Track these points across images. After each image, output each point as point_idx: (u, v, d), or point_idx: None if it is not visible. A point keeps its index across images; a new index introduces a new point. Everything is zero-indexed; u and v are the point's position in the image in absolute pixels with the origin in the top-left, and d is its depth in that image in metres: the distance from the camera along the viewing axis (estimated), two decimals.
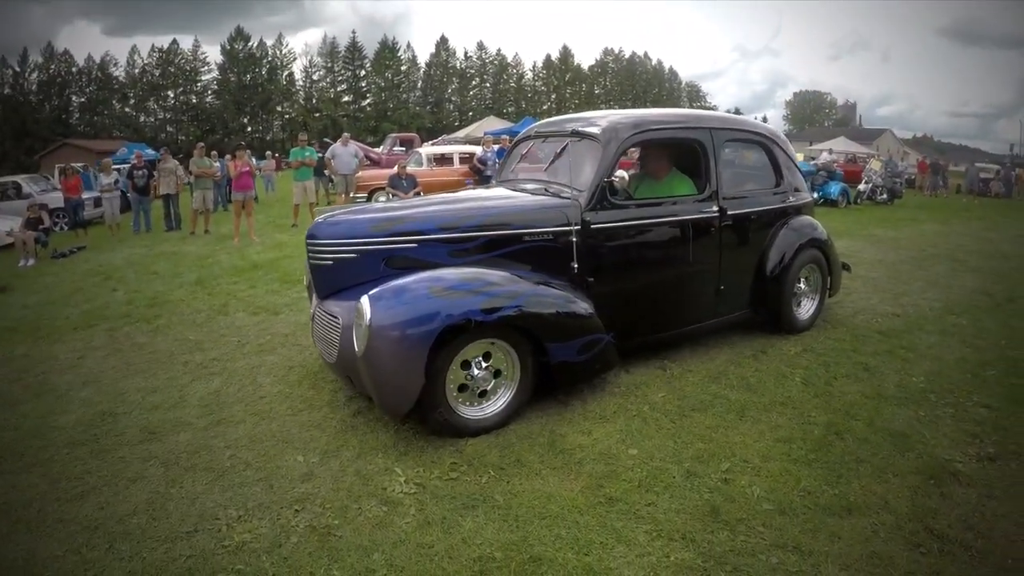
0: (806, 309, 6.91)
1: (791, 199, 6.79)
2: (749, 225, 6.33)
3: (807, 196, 7.22)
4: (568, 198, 5.30)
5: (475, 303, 4.41)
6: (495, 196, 5.79)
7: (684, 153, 6.11)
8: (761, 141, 6.74)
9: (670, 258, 5.83)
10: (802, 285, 6.82)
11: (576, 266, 5.14)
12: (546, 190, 5.60)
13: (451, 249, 4.95)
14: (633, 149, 6.38)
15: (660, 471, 4.13)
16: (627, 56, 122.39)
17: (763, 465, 4.19)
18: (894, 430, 4.66)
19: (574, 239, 5.12)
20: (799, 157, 36.85)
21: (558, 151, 5.88)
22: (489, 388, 4.70)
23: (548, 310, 4.79)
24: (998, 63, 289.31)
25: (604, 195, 5.31)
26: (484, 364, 4.66)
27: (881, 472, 4.12)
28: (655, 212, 5.71)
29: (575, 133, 5.82)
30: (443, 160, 21.26)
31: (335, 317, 4.75)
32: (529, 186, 5.91)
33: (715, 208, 5.93)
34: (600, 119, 5.80)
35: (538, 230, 5.13)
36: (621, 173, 5.28)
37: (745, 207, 6.26)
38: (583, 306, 5.03)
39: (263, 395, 5.45)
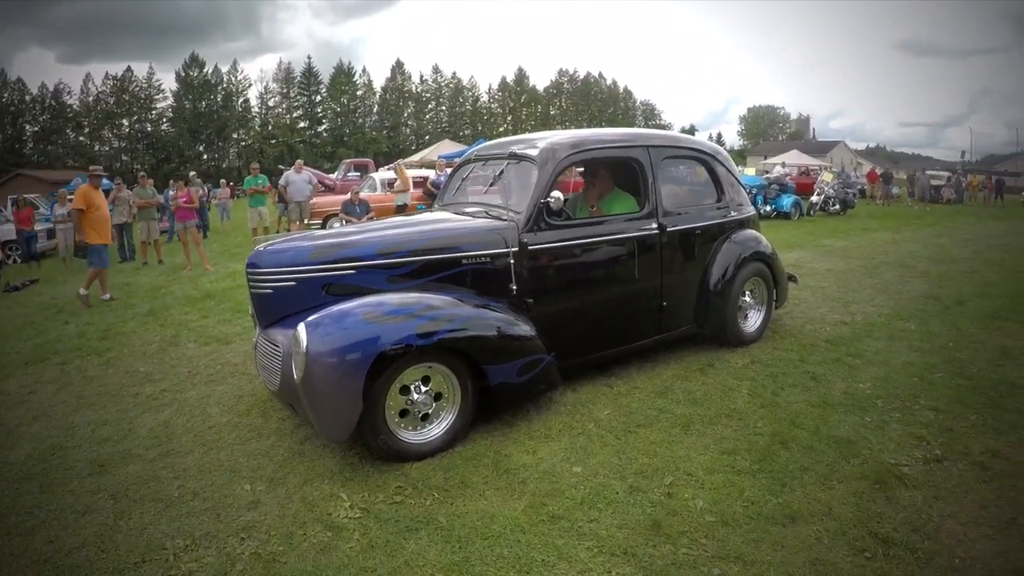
0: (752, 321, 7.08)
1: (733, 214, 6.97)
2: (690, 241, 6.49)
3: (750, 210, 7.40)
4: (506, 220, 5.41)
5: (410, 328, 4.48)
6: (434, 220, 5.86)
7: (624, 172, 6.26)
8: (700, 157, 6.94)
9: (610, 277, 5.94)
10: (747, 298, 7.00)
11: (515, 288, 5.25)
12: (487, 213, 5.69)
13: (389, 275, 5.02)
14: (579, 169, 6.50)
15: (604, 487, 4.20)
16: (582, 77, 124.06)
17: (707, 477, 4.27)
18: (840, 437, 4.78)
19: (512, 261, 5.24)
20: (751, 171, 37.80)
21: (497, 174, 5.99)
22: (431, 412, 4.76)
23: (485, 333, 4.88)
24: (946, 74, 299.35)
25: (542, 216, 5.41)
26: (424, 388, 4.72)
27: (826, 479, 4.22)
28: (593, 231, 5.81)
29: (513, 156, 5.95)
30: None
31: (276, 345, 4.79)
32: (470, 209, 5.99)
33: (654, 225, 6.06)
34: (539, 141, 5.91)
35: (476, 253, 5.21)
36: (557, 194, 5.36)
37: (685, 223, 6.41)
38: (522, 328, 5.13)
39: (212, 425, 5.50)
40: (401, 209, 17.41)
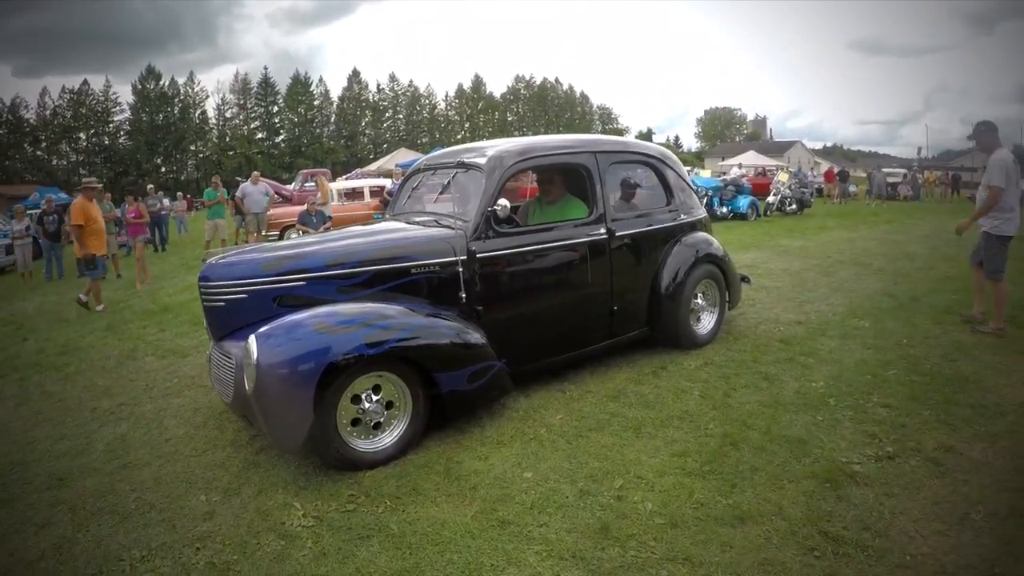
0: (705, 324, 7.12)
1: (683, 216, 7.03)
2: (640, 245, 6.53)
3: (700, 213, 7.46)
4: (454, 229, 5.45)
5: (360, 337, 4.50)
6: (383, 230, 5.87)
7: (572, 178, 6.31)
8: (648, 162, 7.00)
9: (559, 282, 5.96)
10: (699, 300, 7.04)
11: (464, 295, 5.29)
12: (436, 222, 5.72)
13: (339, 285, 5.06)
14: (530, 176, 6.52)
15: (554, 492, 4.21)
16: (538, 83, 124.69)
17: (657, 480, 4.28)
18: (791, 437, 4.81)
19: (460, 269, 5.27)
20: (707, 173, 38.09)
21: (446, 183, 6.01)
22: (383, 420, 4.77)
23: (435, 341, 4.90)
24: (901, 72, 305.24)
25: (489, 224, 5.44)
26: (375, 397, 4.73)
27: (776, 479, 4.24)
28: (542, 238, 5.83)
29: (461, 164, 5.98)
30: (353, 194, 21.74)
31: (229, 358, 4.83)
32: (420, 219, 6.02)
33: (603, 230, 6.10)
34: (487, 149, 5.95)
35: (424, 262, 5.25)
36: (503, 202, 5.40)
37: (634, 227, 6.46)
38: (472, 335, 5.16)
39: (169, 437, 5.53)
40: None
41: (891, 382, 5.80)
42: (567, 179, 6.41)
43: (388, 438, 4.77)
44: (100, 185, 13.99)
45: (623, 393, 5.77)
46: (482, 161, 5.71)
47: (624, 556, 3.52)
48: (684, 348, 6.78)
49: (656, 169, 6.98)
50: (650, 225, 6.63)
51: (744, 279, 7.88)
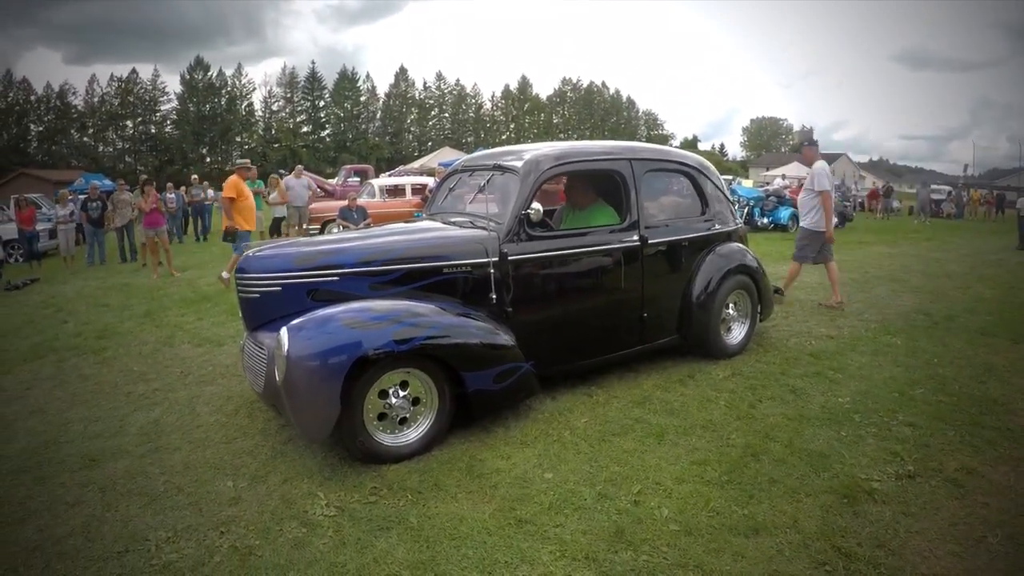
0: (736, 334, 7.13)
1: (718, 226, 7.04)
2: (673, 253, 6.56)
3: (735, 223, 7.46)
4: (488, 231, 5.51)
5: (389, 334, 4.59)
6: (418, 229, 5.98)
7: (607, 184, 6.35)
8: (685, 171, 7.00)
9: (590, 287, 6.02)
10: (731, 311, 7.05)
11: (494, 297, 5.34)
12: (472, 223, 5.80)
13: (371, 282, 5.15)
14: (559, 180, 6.59)
15: (572, 494, 4.26)
16: (585, 86, 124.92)
17: (675, 487, 4.31)
18: (812, 450, 4.81)
19: (492, 271, 5.33)
20: (749, 183, 37.95)
21: (482, 184, 6.07)
22: (409, 416, 4.86)
23: (463, 340, 4.97)
24: (946, 87, 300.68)
25: (523, 227, 5.52)
26: (402, 393, 4.81)
27: (794, 492, 4.24)
28: (574, 243, 5.89)
29: (497, 167, 6.05)
30: (395, 191, 21.80)
31: (262, 348, 4.96)
32: (456, 219, 6.11)
33: (635, 237, 6.14)
34: (525, 152, 6.01)
35: (456, 262, 5.33)
36: (536, 206, 5.49)
37: (668, 235, 6.49)
38: (501, 336, 5.23)
39: (200, 424, 5.67)
40: (277, 223, 18.01)
41: (918, 401, 5.76)
42: (602, 185, 6.45)
43: (413, 433, 4.86)
44: (253, 166, 14.70)
45: (649, 399, 5.80)
46: (518, 164, 5.78)
47: (636, 560, 3.56)
48: (713, 357, 6.80)
49: (692, 178, 6.99)
50: (684, 234, 6.65)
51: (777, 291, 7.87)
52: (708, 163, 7.44)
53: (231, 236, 11.65)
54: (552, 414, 5.55)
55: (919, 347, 7.40)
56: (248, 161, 13.49)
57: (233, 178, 11.97)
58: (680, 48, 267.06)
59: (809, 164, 9.55)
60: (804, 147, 10.12)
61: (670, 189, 7.12)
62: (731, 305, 7.02)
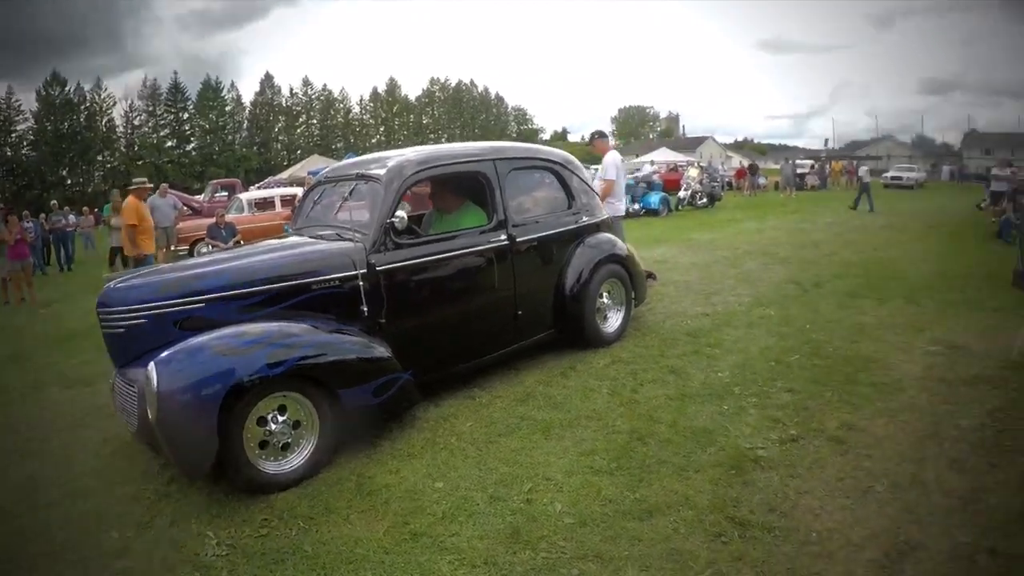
0: (612, 322, 7.29)
1: (585, 219, 7.19)
2: (542, 248, 6.67)
3: (603, 214, 7.63)
4: (354, 242, 5.48)
5: (260, 358, 4.50)
6: (283, 247, 5.85)
7: (472, 185, 6.41)
8: (549, 167, 7.14)
9: (462, 290, 6.07)
10: (605, 299, 7.21)
11: (366, 309, 5.31)
12: (339, 235, 5.74)
13: (240, 305, 5.01)
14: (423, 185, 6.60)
15: (465, 500, 4.27)
16: (454, 85, 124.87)
17: (566, 481, 4.38)
18: (697, 427, 4.98)
19: (361, 283, 5.29)
20: None
21: (347, 194, 6.06)
22: (291, 441, 4.75)
23: (337, 357, 4.93)
24: (809, 68, 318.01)
25: (389, 236, 5.50)
26: (281, 418, 4.71)
27: (682, 470, 4.39)
28: (442, 247, 5.91)
29: (361, 176, 6.03)
30: (265, 204, 21.24)
31: (132, 385, 4.76)
32: (322, 232, 6.01)
33: (503, 237, 6.22)
34: (388, 160, 6.02)
35: (324, 278, 5.26)
36: (401, 213, 5.48)
37: (536, 232, 6.59)
38: (376, 349, 5.20)
39: (78, 473, 5.34)
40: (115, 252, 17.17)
41: (794, 367, 6.05)
42: (468, 187, 6.50)
43: (297, 458, 4.76)
44: (151, 185, 14.00)
45: (532, 396, 5.87)
46: (381, 173, 5.76)
47: (535, 558, 3.60)
48: (592, 347, 6.93)
49: (557, 173, 7.12)
50: (552, 229, 6.77)
51: (650, 276, 8.08)
52: (572, 157, 7.61)
53: (141, 264, 11.13)
54: (437, 421, 5.55)
55: (792, 315, 7.76)
56: (145, 180, 12.83)
57: (131, 200, 11.48)
58: (548, 43, 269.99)
59: (601, 155, 9.99)
60: (596, 140, 10.81)
61: (536, 186, 7.20)
62: (605, 294, 7.18)
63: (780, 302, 8.46)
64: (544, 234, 6.66)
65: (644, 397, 5.65)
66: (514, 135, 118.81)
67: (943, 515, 3.82)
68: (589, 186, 7.53)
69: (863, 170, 23.27)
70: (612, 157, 9.70)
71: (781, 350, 6.53)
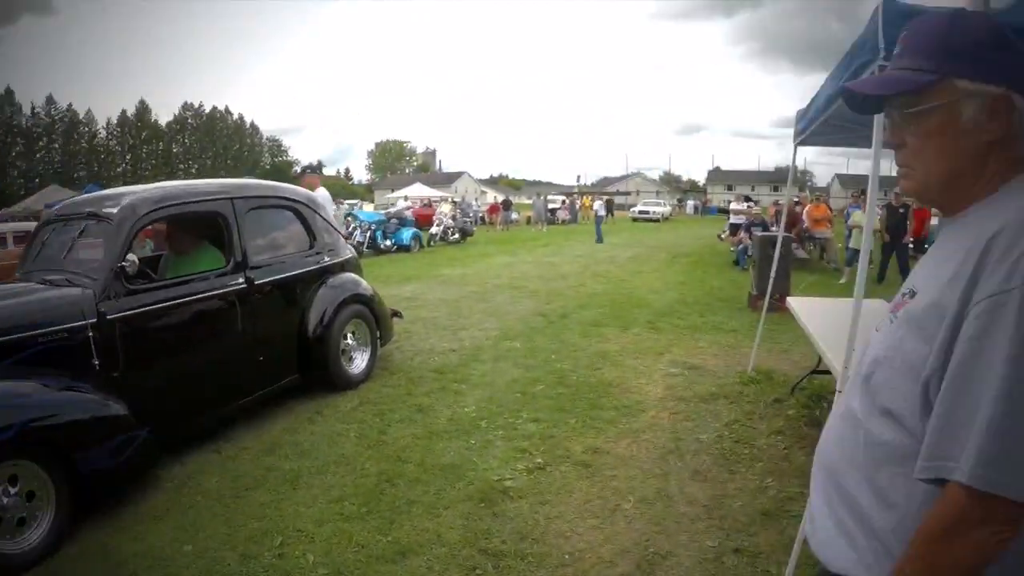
0: (358, 363, 7.27)
1: (327, 259, 7.16)
2: (283, 290, 6.58)
3: (346, 253, 7.64)
4: (83, 288, 5.09)
5: None
6: (2, 295, 5.37)
7: (210, 226, 6.19)
8: (290, 205, 7.03)
9: (200, 338, 5.84)
10: (350, 340, 7.18)
11: (98, 363, 4.94)
12: (69, 281, 5.28)
13: None
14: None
15: (215, 562, 4.10)
16: (208, 111, 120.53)
17: (317, 530, 4.32)
18: (445, 464, 5.08)
19: (91, 334, 4.92)
20: (371, 207, 38.90)
21: (77, 235, 5.63)
22: (26, 515, 4.34)
23: (68, 417, 4.55)
24: (561, 107, 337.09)
25: (120, 281, 5.18)
26: (12, 489, 4.28)
27: (433, 508, 4.46)
28: (178, 292, 5.65)
29: (92, 215, 5.62)
30: None
31: None
32: (52, 277, 5.51)
33: (241, 280, 6.07)
34: (122, 197, 5.66)
35: (51, 329, 4.82)
36: (132, 257, 5.19)
37: (276, 274, 6.48)
38: (112, 406, 4.83)
39: None
40: None
41: (540, 397, 6.32)
42: (204, 227, 6.27)
43: (35, 534, 4.33)
44: None
45: (279, 445, 5.74)
46: (113, 211, 5.43)
47: None
48: (339, 390, 6.87)
49: (298, 212, 7.03)
50: (293, 270, 6.69)
51: (396, 314, 8.14)
52: (314, 195, 7.54)
53: None
54: (181, 479, 5.28)
55: (537, 347, 8.09)
56: None
57: None
58: (310, 71, 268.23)
59: (313, 191, 10.17)
60: (306, 176, 11.22)
61: (276, 225, 7.07)
62: (350, 335, 7.16)
63: (527, 334, 8.79)
64: (285, 275, 6.57)
65: (392, 438, 5.68)
66: (268, 166, 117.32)
67: (689, 523, 4.17)
68: (332, 225, 7.50)
69: (597, 204, 24.94)
70: (321, 194, 9.74)
71: (527, 381, 6.79)
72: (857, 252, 13.12)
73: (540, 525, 4.16)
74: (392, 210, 29.92)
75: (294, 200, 7.05)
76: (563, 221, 42.10)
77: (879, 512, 1.30)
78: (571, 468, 4.90)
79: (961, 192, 1.37)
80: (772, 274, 7.20)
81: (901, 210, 13.66)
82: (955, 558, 1.14)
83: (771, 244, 9.53)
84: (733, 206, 28.45)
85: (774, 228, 14.46)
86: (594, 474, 4.80)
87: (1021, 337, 1.09)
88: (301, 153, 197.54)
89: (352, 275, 7.45)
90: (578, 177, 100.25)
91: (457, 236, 26.64)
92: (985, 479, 1.10)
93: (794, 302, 6.56)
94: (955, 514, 1.14)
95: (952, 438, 1.15)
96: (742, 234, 17.64)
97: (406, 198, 48.81)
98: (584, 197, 53.29)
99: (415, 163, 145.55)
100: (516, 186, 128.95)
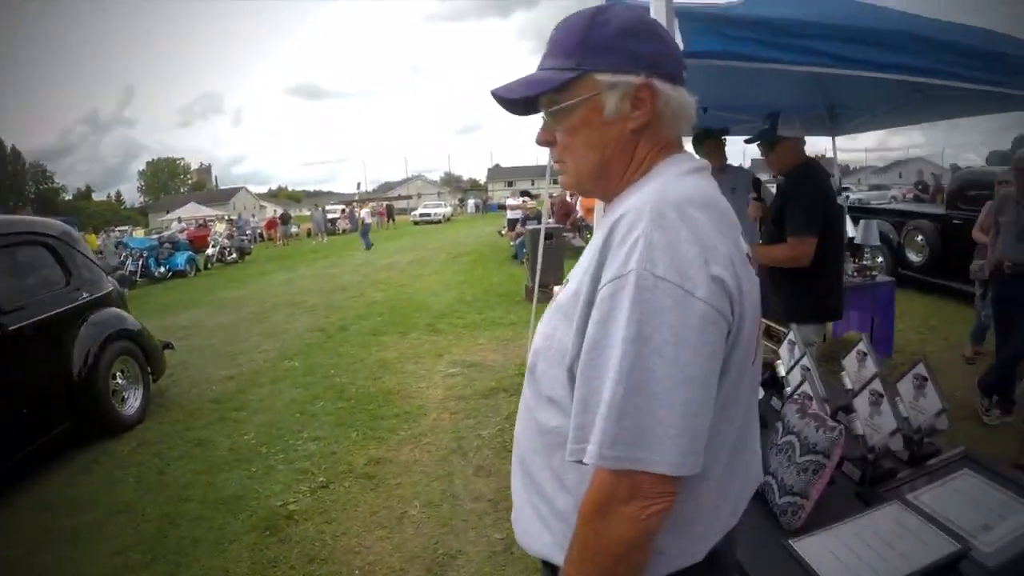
0: (132, 403, 6.92)
1: (85, 295, 6.72)
2: (40, 334, 6.06)
3: (107, 287, 7.21)
4: None
5: None
6: None
7: None
8: (42, 241, 6.54)
9: None
10: (120, 380, 6.82)
11: None
12: None
13: None
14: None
15: None
16: None
17: None
18: (227, 496, 4.97)
19: None
20: (140, 233, 37.39)
21: None
22: None
23: None
24: (341, 113, 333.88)
25: None
26: None
27: (218, 544, 4.35)
28: None
29: None
30: None
31: None
32: None
33: None
34: None
35: None
36: None
37: (31, 316, 5.97)
38: None
39: None
40: None
41: (319, 415, 6.29)
42: None
43: None
44: None
45: (55, 502, 5.34)
46: None
47: None
48: (115, 433, 6.50)
49: (51, 247, 6.57)
50: (50, 310, 6.22)
51: (167, 346, 7.84)
52: (71, 229, 7.10)
53: None
54: None
55: (316, 363, 8.03)
56: None
57: None
58: (71, 85, 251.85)
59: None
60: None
61: (27, 264, 6.63)
62: (118, 373, 6.79)
63: (305, 351, 8.70)
64: (41, 317, 6.08)
65: (172, 477, 5.48)
66: (32, 194, 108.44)
67: (476, 519, 4.30)
68: (91, 259, 7.10)
69: (363, 212, 25.16)
70: None
71: (306, 400, 6.74)
72: None
73: (328, 544, 4.16)
74: (165, 234, 28.87)
75: (45, 235, 6.57)
76: (344, 231, 41.73)
77: (560, 495, 1.35)
78: (354, 482, 4.92)
79: (614, 182, 1.39)
80: (539, 265, 7.41)
81: None
82: (611, 536, 1.15)
83: (547, 236, 9.85)
84: (509, 202, 29.33)
85: (551, 220, 14.92)
86: (378, 485, 4.84)
87: (637, 319, 1.11)
88: (69, 178, 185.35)
89: (116, 310, 7.06)
90: (358, 184, 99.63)
91: (235, 256, 25.94)
92: (613, 458, 1.12)
93: (559, 290, 6.82)
94: (603, 493, 1.16)
95: (586, 421, 1.18)
96: (519, 228, 18.11)
97: (180, 220, 47.17)
98: (363, 204, 53.24)
99: (190, 181, 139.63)
100: (296, 198, 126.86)
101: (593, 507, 1.18)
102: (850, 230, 7.70)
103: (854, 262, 7.06)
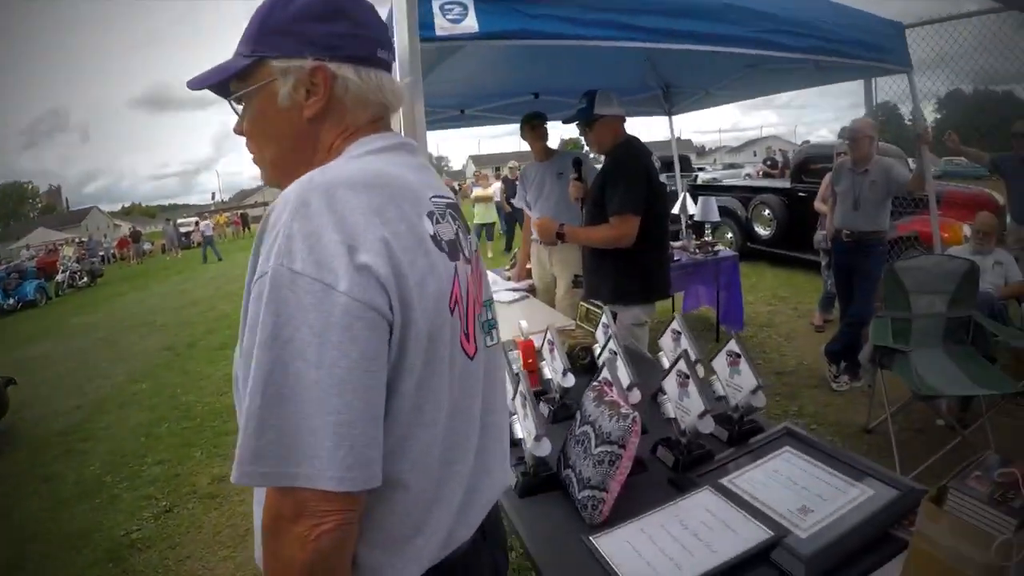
0: None
1: None
2: None
3: None
4: None
5: None
6: None
7: None
8: None
9: None
10: None
11: None
12: None
13: None
14: None
15: None
16: None
17: None
18: (72, 531, 4.81)
19: None
20: None
21: None
22: None
23: None
24: (192, 124, 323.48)
25: None
26: None
27: None
28: None
29: None
30: None
31: None
32: None
33: None
34: None
35: None
36: None
37: None
38: None
39: None
40: None
41: (164, 437, 6.17)
42: None
43: None
44: None
45: None
46: None
47: None
48: None
49: None
50: None
51: (10, 382, 7.53)
52: None
53: None
54: None
55: (164, 384, 7.85)
56: None
57: None
58: None
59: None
60: None
61: None
62: None
63: (153, 372, 8.48)
64: None
65: (19, 518, 5.24)
66: None
67: None
68: None
69: (204, 224, 24.88)
70: None
71: (151, 423, 6.59)
72: (482, 225, 14.06)
73: (171, 570, 4.09)
74: (12, 264, 27.58)
75: None
76: (198, 244, 40.82)
77: (258, 510, 1.17)
78: (198, 503, 4.84)
79: (301, 173, 1.15)
80: None
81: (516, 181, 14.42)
82: (286, 558, 1.03)
83: None
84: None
85: None
86: (222, 504, 4.79)
87: (273, 320, 0.98)
88: None
89: None
90: (213, 195, 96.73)
91: (86, 279, 24.94)
92: (259, 475, 0.99)
93: None
94: (271, 513, 1.03)
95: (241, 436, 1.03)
96: None
97: (28, 247, 45.33)
98: (218, 215, 51.91)
99: (40, 205, 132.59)
100: (151, 214, 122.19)
101: (265, 527, 1.06)
102: (691, 207, 7.99)
103: (696, 239, 7.26)
